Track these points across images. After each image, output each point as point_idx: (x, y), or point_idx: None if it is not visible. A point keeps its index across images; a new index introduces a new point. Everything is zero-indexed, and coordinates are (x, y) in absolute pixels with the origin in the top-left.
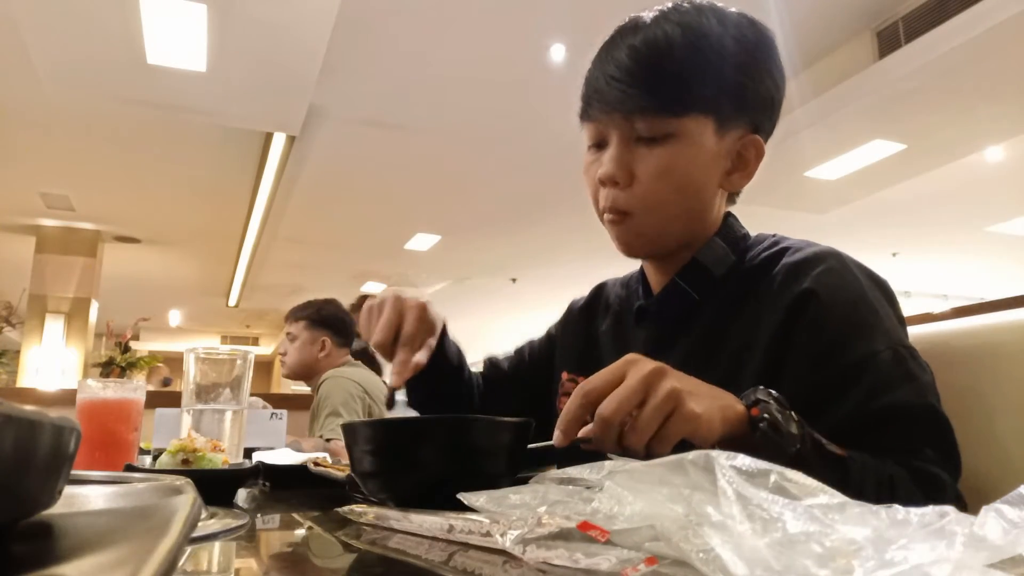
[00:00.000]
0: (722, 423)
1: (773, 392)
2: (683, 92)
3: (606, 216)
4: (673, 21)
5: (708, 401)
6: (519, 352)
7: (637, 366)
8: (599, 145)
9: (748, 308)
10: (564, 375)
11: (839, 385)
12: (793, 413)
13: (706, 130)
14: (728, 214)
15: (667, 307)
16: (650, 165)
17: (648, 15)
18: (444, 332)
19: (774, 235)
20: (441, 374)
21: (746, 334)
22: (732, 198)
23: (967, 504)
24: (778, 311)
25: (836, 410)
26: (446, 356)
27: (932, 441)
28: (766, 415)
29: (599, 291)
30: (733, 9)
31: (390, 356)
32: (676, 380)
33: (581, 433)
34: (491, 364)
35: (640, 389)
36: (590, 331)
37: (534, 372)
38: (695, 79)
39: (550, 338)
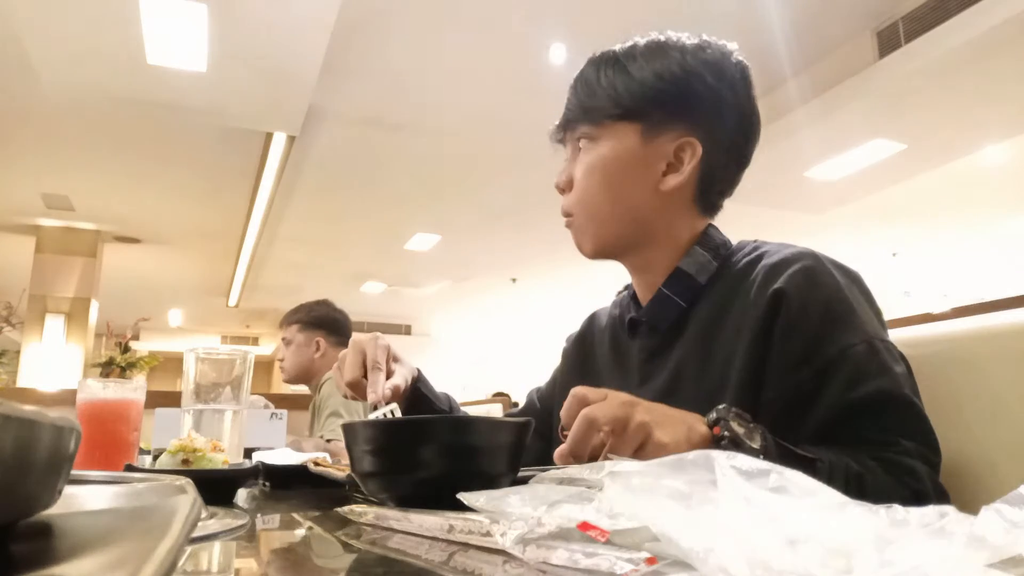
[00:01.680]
0: (688, 446)
1: (734, 408)
2: (602, 103)
3: (564, 222)
4: (625, 49)
5: (674, 429)
6: (529, 399)
7: (608, 403)
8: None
9: (733, 312)
10: None
11: (818, 381)
12: (754, 424)
13: (631, 135)
14: (709, 225)
15: (657, 317)
16: (579, 168)
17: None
18: (421, 375)
19: (755, 241)
20: (431, 410)
21: (732, 338)
22: (711, 210)
23: (948, 494)
24: (756, 313)
25: (817, 406)
26: (429, 394)
27: (907, 431)
28: (726, 432)
29: (591, 321)
30: (677, 34)
31: (363, 393)
32: (645, 413)
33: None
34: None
35: (611, 423)
36: (587, 360)
37: (546, 416)
38: (614, 92)
39: (554, 381)
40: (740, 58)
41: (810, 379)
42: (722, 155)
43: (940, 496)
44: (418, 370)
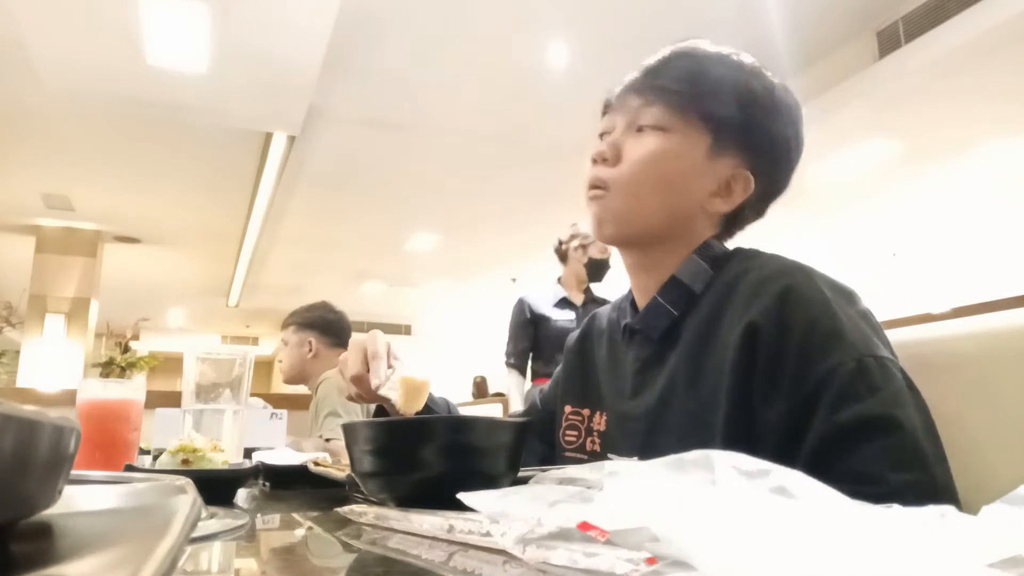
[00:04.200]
0: None
1: None
2: (691, 96)
3: (588, 193)
4: (717, 52)
5: None
6: (532, 400)
7: None
8: (605, 134)
9: (723, 326)
10: (567, 408)
11: (808, 407)
12: None
13: (700, 143)
14: (716, 236)
15: (649, 325)
16: (638, 148)
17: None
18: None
19: (751, 250)
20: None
21: (721, 350)
22: (731, 231)
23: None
24: (735, 344)
25: (806, 434)
26: (430, 396)
27: (897, 461)
28: None
29: (592, 321)
30: (783, 83)
31: (367, 389)
32: None
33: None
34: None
35: None
36: (587, 362)
37: (548, 418)
38: (706, 92)
39: (556, 382)
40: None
41: (800, 405)
42: (758, 200)
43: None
44: None
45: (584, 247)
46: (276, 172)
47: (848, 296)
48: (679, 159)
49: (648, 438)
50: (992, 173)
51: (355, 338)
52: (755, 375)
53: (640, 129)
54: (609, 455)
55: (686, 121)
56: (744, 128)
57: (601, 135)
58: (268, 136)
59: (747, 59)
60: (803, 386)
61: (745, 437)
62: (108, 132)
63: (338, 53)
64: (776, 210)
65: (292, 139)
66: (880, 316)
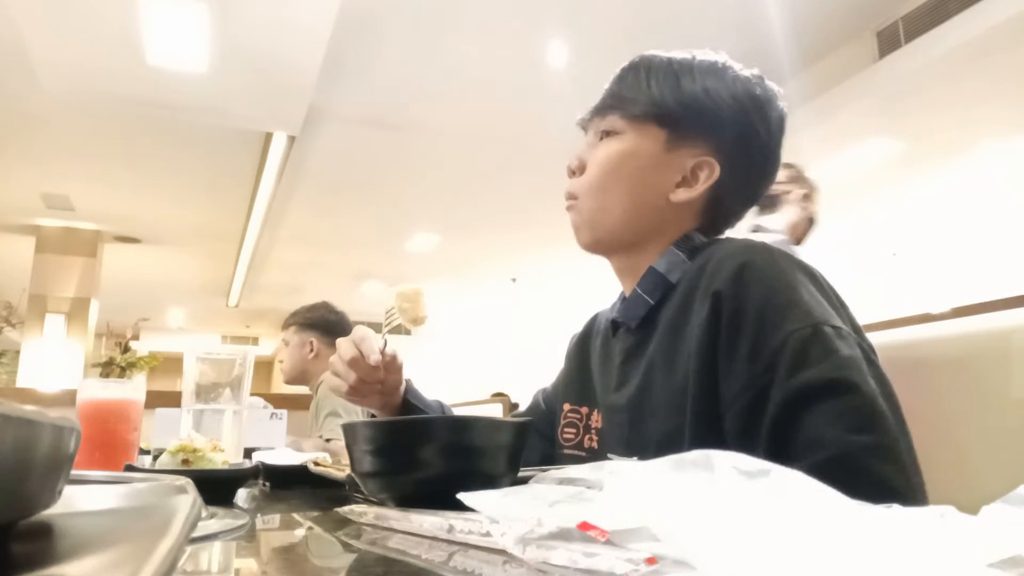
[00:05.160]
0: None
1: None
2: (640, 101)
3: (565, 204)
4: (682, 60)
5: None
6: (534, 400)
7: None
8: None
9: (693, 306)
10: (566, 406)
11: (767, 376)
12: None
13: (655, 139)
14: (696, 229)
15: (629, 315)
16: (597, 154)
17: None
18: (410, 386)
19: (726, 238)
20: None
21: (690, 337)
22: (715, 222)
23: (924, 490)
24: (702, 315)
25: (766, 407)
26: (420, 403)
27: (856, 423)
28: None
29: (592, 321)
30: (753, 73)
31: (366, 370)
32: None
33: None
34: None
35: None
36: (585, 361)
37: (550, 417)
38: (658, 94)
39: (558, 382)
40: (784, 105)
41: (759, 376)
42: (737, 186)
43: (913, 493)
44: (408, 381)
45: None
46: (276, 172)
47: (808, 271)
48: (635, 157)
49: (632, 428)
50: (992, 173)
51: (339, 340)
52: (718, 351)
53: (601, 138)
54: (609, 455)
55: (638, 121)
56: (699, 117)
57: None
58: (268, 136)
59: (704, 57)
60: (761, 357)
61: (712, 418)
62: (108, 132)
63: (338, 53)
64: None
65: (292, 139)
66: (880, 316)
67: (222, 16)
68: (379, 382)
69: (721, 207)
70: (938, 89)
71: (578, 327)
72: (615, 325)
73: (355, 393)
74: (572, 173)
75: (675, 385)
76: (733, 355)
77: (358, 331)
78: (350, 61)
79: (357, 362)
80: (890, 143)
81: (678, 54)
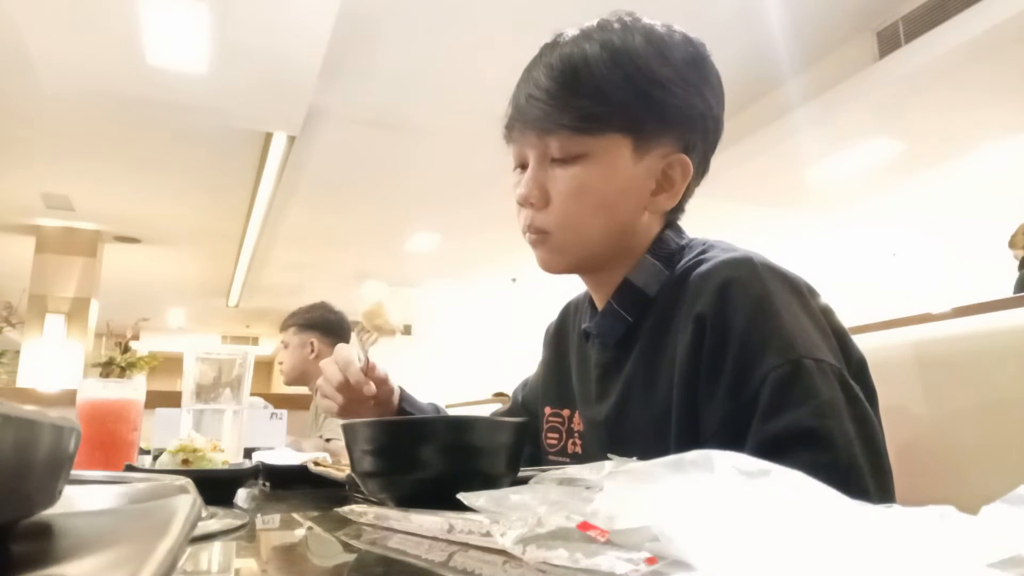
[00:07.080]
0: None
1: None
2: (595, 112)
3: (527, 236)
4: (594, 39)
5: None
6: (513, 398)
7: None
8: (523, 166)
9: (673, 325)
10: (547, 410)
11: (745, 414)
12: None
13: (622, 150)
14: (666, 228)
15: (606, 332)
16: (563, 186)
17: (570, 32)
18: (404, 393)
19: (704, 242)
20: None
21: (672, 352)
22: (675, 213)
23: None
24: (685, 340)
25: (743, 448)
26: (413, 410)
27: (826, 478)
28: None
29: (565, 312)
30: (665, 26)
31: (356, 395)
32: None
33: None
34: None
35: None
36: (563, 360)
37: (531, 419)
38: (608, 99)
39: (536, 381)
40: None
41: (740, 410)
42: (700, 170)
43: None
44: (400, 388)
45: None
46: (276, 172)
47: (797, 289)
48: (607, 180)
49: (611, 446)
50: (992, 173)
51: (323, 362)
52: (700, 377)
53: (555, 160)
54: (609, 455)
55: (599, 136)
56: (660, 112)
57: (516, 168)
58: (268, 136)
59: (638, 35)
60: (740, 395)
61: (695, 444)
62: (108, 132)
63: (338, 53)
64: (776, 210)
65: (292, 139)
66: (880, 316)
67: (222, 16)
68: (371, 397)
69: (688, 196)
70: (938, 89)
71: (555, 317)
72: (587, 334)
73: (347, 413)
74: (530, 205)
75: (656, 410)
76: (714, 386)
77: (341, 354)
78: (350, 61)
79: (345, 386)
80: (890, 143)
81: (607, 36)
